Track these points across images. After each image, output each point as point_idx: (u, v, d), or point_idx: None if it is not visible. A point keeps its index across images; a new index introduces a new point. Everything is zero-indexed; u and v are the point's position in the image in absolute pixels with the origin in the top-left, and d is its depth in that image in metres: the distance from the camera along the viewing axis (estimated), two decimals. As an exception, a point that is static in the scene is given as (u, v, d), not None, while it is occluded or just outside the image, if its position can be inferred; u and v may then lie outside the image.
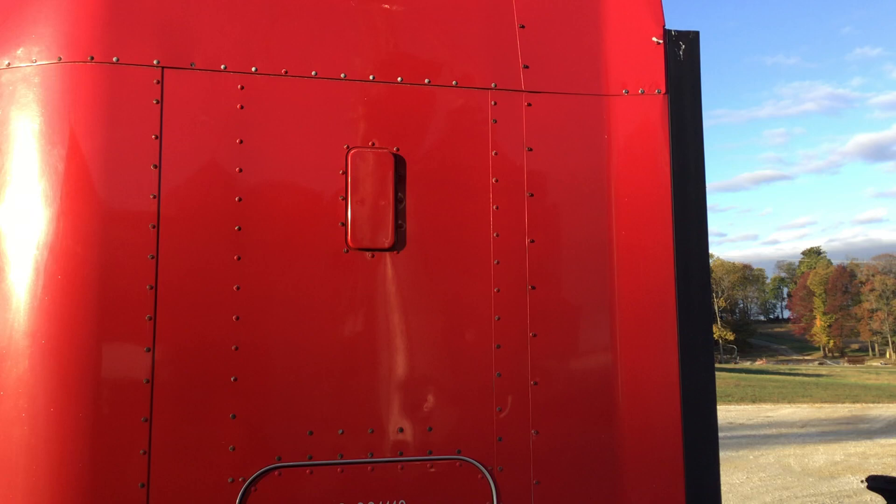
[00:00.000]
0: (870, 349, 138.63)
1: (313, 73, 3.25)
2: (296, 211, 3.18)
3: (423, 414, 3.02)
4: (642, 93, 3.44)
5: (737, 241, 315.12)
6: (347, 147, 3.22)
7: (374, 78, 3.28)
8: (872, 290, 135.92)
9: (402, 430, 3.04)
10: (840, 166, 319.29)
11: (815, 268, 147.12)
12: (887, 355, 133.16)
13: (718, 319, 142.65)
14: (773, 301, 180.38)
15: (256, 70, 3.21)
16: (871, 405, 42.16)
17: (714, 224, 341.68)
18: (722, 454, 21.25)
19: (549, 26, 3.47)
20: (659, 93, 3.45)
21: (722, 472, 16.97)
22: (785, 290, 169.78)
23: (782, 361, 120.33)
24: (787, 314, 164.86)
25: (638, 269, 3.24)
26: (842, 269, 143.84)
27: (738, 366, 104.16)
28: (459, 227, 3.20)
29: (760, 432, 28.63)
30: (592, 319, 3.23)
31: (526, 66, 3.39)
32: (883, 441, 25.18)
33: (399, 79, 3.29)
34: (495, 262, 3.20)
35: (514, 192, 3.28)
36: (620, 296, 3.22)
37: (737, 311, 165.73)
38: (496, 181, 3.29)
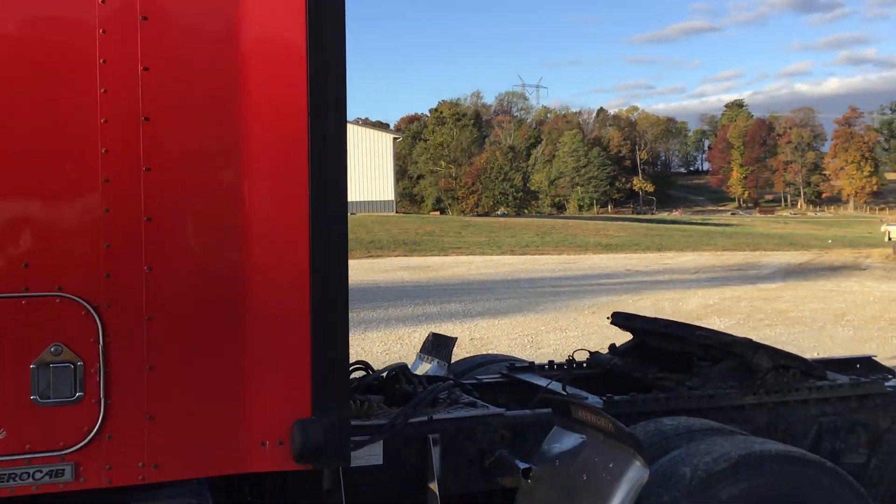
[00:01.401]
0: (782, 200, 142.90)
1: None
2: None
3: (18, 250, 2.89)
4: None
5: (664, 94, 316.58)
6: None
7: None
8: (789, 142, 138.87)
9: None
10: (769, 17, 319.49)
11: (735, 120, 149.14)
12: (798, 205, 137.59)
13: (640, 171, 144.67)
14: (695, 154, 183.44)
15: None
16: (768, 253, 43.79)
17: (642, 76, 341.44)
18: (604, 299, 21.85)
19: None
20: None
21: (592, 316, 17.37)
22: (706, 143, 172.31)
23: (698, 212, 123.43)
24: (706, 166, 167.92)
25: (269, 158, 3.13)
26: (761, 122, 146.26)
27: (653, 216, 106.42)
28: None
29: (652, 278, 29.55)
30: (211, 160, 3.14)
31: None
32: (762, 286, 26.19)
33: None
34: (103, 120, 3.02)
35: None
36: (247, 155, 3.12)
37: (658, 163, 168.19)
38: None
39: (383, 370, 4.51)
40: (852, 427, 4.87)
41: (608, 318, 5.55)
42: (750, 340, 4.73)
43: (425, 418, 4.09)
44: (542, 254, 41.41)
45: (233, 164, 3.14)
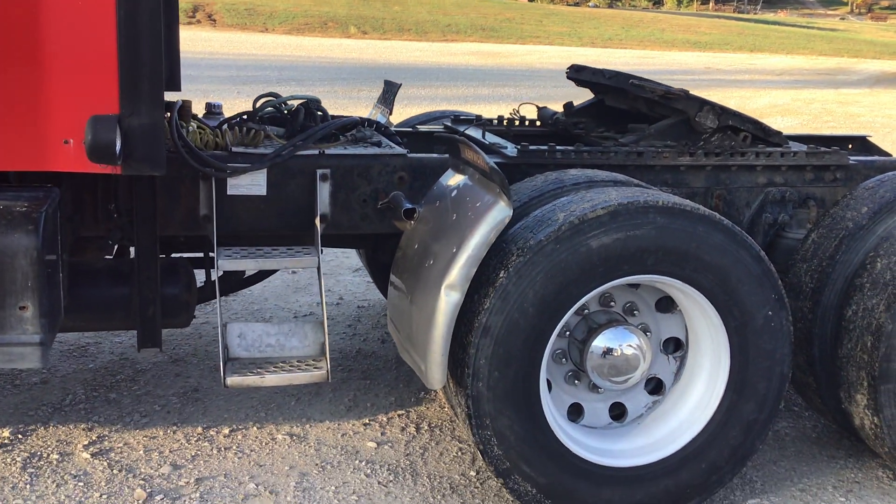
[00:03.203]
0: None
1: None
2: None
3: None
4: None
5: None
6: None
7: None
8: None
9: None
10: None
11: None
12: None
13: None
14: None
15: None
16: (867, 60, 41.19)
17: None
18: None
19: None
20: None
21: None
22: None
23: (805, 14, 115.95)
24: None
25: None
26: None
27: (755, 16, 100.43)
28: None
29: (731, 77, 28.25)
30: None
31: None
32: (845, 91, 24.80)
33: None
34: None
35: None
36: None
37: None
38: None
39: (287, 98, 4.25)
40: (804, 201, 4.48)
41: (567, 69, 5.11)
42: (693, 95, 4.29)
43: (316, 152, 3.86)
44: (624, 48, 39.78)
45: None
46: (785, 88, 24.44)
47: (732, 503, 3.79)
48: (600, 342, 3.52)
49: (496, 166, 3.38)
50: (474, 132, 4.68)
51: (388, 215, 3.90)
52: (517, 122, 5.21)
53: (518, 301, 3.25)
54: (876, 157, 4.85)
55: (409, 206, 3.73)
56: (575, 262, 3.27)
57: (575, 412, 3.74)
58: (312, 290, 6.37)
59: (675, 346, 3.77)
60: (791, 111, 19.09)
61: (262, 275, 4.68)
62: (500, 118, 5.20)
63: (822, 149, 4.48)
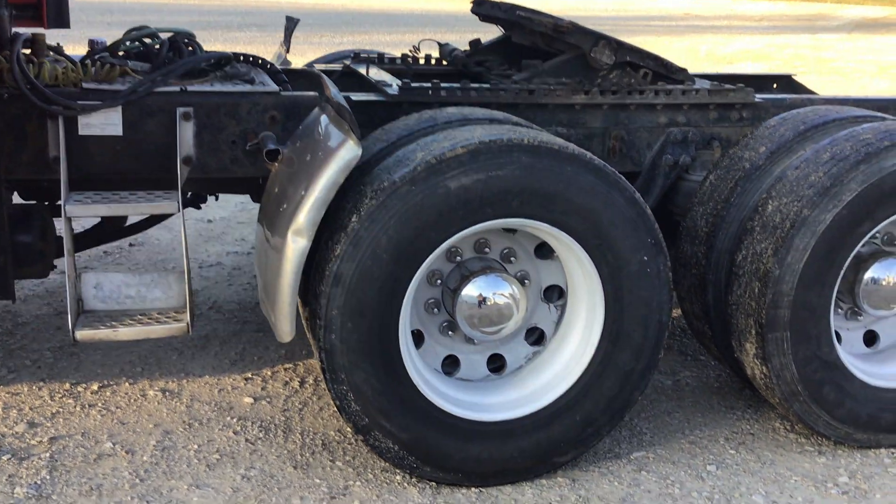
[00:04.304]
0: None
1: None
2: None
3: None
4: None
5: None
6: None
7: None
8: None
9: None
10: None
11: None
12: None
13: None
14: None
15: None
16: (849, 6, 40.68)
17: None
18: (639, 39, 20.65)
19: None
20: None
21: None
22: None
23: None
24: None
25: None
26: None
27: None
28: None
29: (709, 23, 27.93)
30: None
31: None
32: (822, 36, 24.47)
33: None
34: None
35: None
36: None
37: None
38: None
39: (156, 30, 3.99)
40: (709, 141, 4.26)
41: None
42: (587, 29, 4.04)
43: (177, 89, 3.61)
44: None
45: None
46: (760, 34, 24.11)
47: (618, 455, 3.63)
48: (470, 291, 3.32)
49: (345, 103, 3.16)
50: (372, 71, 4.44)
51: (259, 158, 3.68)
52: (422, 61, 4.95)
53: (370, 247, 3.04)
54: (786, 95, 4.62)
55: (272, 147, 3.50)
56: (432, 205, 3.06)
57: (453, 364, 3.56)
58: (226, 238, 6.17)
59: (559, 295, 3.58)
60: (762, 56, 18.80)
61: (152, 221, 4.45)
62: (405, 56, 4.94)
63: (727, 86, 4.26)
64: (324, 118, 3.35)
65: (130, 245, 5.88)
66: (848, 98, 4.54)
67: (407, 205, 3.04)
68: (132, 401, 3.87)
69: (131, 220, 4.29)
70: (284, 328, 3.11)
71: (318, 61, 5.41)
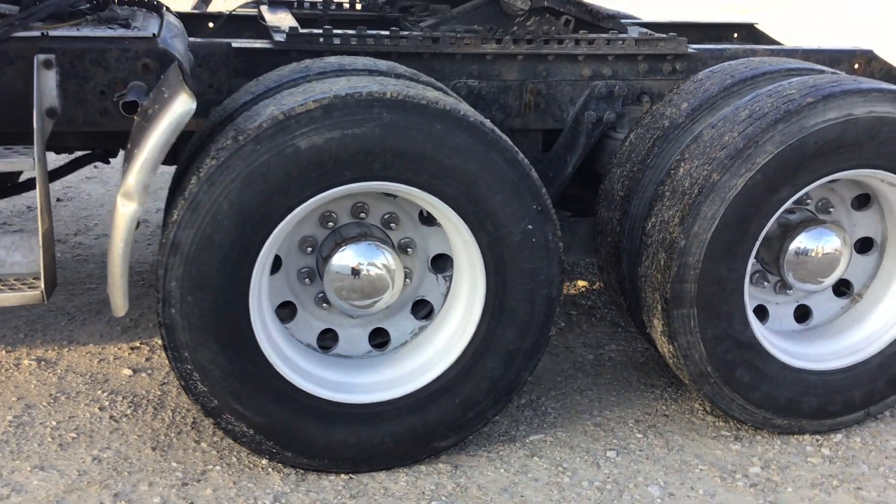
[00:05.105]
0: None
1: None
2: None
3: None
4: None
5: None
6: None
7: None
8: None
9: None
10: None
11: None
12: None
13: None
14: None
15: None
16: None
17: None
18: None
19: None
20: None
21: None
22: None
23: None
24: None
25: None
26: None
27: None
28: None
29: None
30: None
31: None
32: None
33: None
34: None
35: None
36: None
37: None
38: None
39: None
40: (638, 96, 3.89)
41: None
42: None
43: (38, 34, 3.30)
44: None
45: None
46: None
47: (512, 439, 3.34)
48: (340, 260, 3.02)
49: (179, 50, 2.84)
50: (276, 16, 4.10)
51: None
52: (346, 5, 4.60)
53: (211, 212, 2.73)
54: (727, 46, 4.22)
55: (130, 98, 3.18)
56: (280, 166, 2.74)
57: (332, 339, 3.27)
58: (161, 195, 5.87)
59: (451, 265, 3.27)
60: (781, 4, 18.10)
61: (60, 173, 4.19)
62: (326, 1, 4.59)
63: (657, 35, 3.88)
64: (173, 67, 3.03)
65: (58, 200, 5.63)
66: (797, 49, 4.14)
67: (251, 166, 2.72)
68: (2, 370, 3.62)
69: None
70: (117, 301, 2.82)
71: (246, 6, 5.07)
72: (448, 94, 3.24)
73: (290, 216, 2.81)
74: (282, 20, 3.99)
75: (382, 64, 3.28)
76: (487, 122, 2.90)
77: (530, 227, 2.96)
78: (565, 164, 3.84)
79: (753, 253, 3.17)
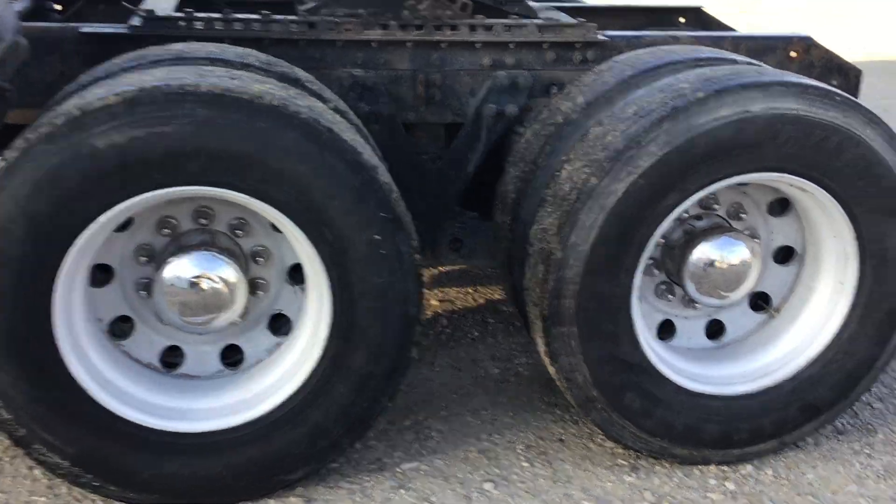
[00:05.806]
0: None
1: None
2: None
3: None
4: None
5: None
6: None
7: None
8: None
9: None
10: None
11: None
12: None
13: None
14: None
15: None
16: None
17: None
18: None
19: None
20: None
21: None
22: None
23: None
24: None
25: None
26: None
27: None
28: None
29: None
30: None
31: None
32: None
33: None
34: None
35: None
36: None
37: None
38: None
39: None
40: (547, 88, 3.53)
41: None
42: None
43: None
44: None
45: None
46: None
47: (382, 467, 3.02)
48: (172, 271, 2.71)
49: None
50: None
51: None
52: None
53: (0, 222, 2.43)
54: (645, 33, 3.82)
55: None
56: (76, 168, 2.42)
57: (180, 356, 2.96)
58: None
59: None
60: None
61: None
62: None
63: (563, 20, 3.51)
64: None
65: None
66: (725, 36, 3.75)
67: (42, 168, 2.41)
68: None
69: None
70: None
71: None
72: (306, 88, 2.90)
73: (95, 224, 2.49)
74: (158, 2, 3.66)
75: (230, 51, 2.95)
76: (323, 121, 2.56)
77: (377, 237, 2.62)
78: (466, 161, 3.50)
79: (641, 266, 2.81)
